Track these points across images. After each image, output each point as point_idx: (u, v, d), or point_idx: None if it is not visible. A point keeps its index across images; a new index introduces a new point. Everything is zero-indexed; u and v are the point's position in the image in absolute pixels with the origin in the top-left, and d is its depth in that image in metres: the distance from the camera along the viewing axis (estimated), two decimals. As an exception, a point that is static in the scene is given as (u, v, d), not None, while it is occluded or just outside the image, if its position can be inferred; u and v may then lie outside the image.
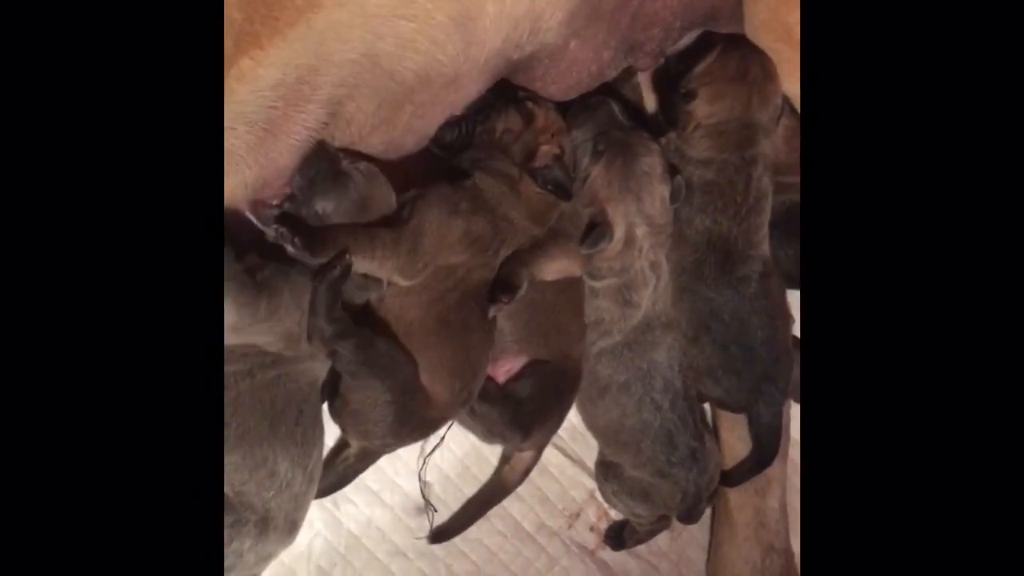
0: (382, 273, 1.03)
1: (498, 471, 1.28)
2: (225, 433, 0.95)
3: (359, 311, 1.06)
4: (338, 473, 1.15)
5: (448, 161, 1.13)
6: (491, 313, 1.09)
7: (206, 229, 0.67)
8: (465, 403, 1.11)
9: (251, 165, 0.97)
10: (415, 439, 1.14)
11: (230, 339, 0.96)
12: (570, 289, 1.19)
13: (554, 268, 1.15)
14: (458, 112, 1.09)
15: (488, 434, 1.19)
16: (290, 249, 0.95)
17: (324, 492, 1.13)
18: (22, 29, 0.62)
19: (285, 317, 0.98)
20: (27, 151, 0.62)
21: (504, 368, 1.17)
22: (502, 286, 1.10)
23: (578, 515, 1.36)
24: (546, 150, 1.12)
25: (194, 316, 0.66)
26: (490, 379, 1.15)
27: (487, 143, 1.12)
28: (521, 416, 1.15)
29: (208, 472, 0.66)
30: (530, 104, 1.13)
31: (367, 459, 1.16)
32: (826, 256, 0.71)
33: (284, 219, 0.98)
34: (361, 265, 1.01)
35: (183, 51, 0.66)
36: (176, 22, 0.66)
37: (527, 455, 1.24)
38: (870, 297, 0.69)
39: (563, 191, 1.13)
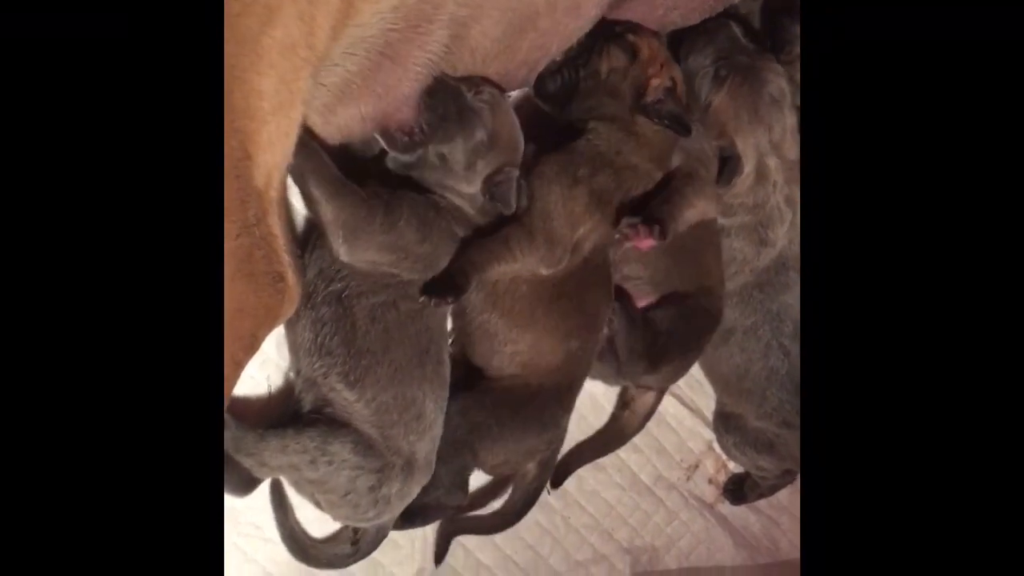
0: (527, 270, 0.99)
1: (616, 417, 1.21)
2: (378, 371, 0.91)
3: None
4: (528, 492, 1.12)
5: (556, 116, 1.06)
6: (616, 236, 1.03)
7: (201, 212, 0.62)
8: (589, 358, 1.06)
9: (368, 95, 0.90)
10: (568, 412, 1.08)
11: (360, 262, 0.92)
12: (709, 228, 1.11)
13: (695, 214, 1.07)
14: (567, 48, 1.01)
15: (615, 374, 1.12)
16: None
17: (516, 517, 1.13)
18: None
19: (407, 231, 0.92)
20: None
21: (641, 305, 1.11)
22: (649, 220, 1.02)
23: (696, 467, 1.30)
24: (656, 84, 1.03)
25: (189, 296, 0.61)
26: (632, 304, 1.09)
27: (594, 88, 1.04)
28: (655, 347, 1.08)
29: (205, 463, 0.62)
30: (631, 36, 1.04)
31: (547, 466, 1.13)
32: (825, 252, 0.69)
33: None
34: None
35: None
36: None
37: (647, 399, 1.18)
38: (869, 296, 0.67)
39: (681, 125, 1.04)
